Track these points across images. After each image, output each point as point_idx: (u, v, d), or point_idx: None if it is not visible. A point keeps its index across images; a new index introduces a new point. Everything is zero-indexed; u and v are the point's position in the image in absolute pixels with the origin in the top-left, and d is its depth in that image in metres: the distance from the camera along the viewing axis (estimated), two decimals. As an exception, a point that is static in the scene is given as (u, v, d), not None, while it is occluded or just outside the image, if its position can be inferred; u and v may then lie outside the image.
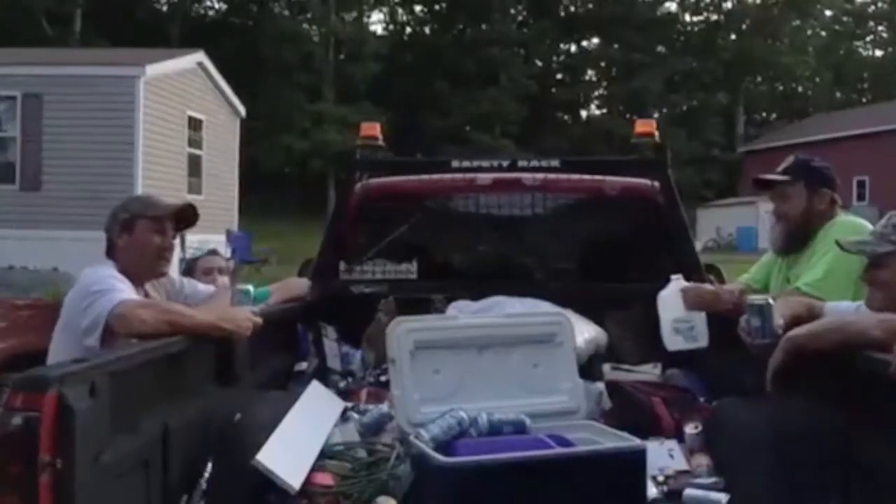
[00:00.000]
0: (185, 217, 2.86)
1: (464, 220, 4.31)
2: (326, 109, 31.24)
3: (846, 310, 2.53)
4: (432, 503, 2.00)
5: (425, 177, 4.24)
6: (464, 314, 3.14)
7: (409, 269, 4.15)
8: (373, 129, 4.22)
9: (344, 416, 2.91)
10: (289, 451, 2.37)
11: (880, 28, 46.89)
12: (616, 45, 40.19)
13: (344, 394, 3.31)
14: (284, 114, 29.76)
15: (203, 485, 2.14)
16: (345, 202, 4.15)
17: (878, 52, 47.60)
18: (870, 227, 2.72)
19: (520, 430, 2.18)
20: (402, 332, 2.33)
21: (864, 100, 43.82)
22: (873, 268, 2.36)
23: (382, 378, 3.24)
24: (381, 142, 4.23)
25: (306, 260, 4.48)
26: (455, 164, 4.21)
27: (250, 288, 2.79)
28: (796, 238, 3.09)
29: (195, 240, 12.26)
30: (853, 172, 28.18)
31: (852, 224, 3.01)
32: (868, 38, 47.70)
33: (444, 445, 2.06)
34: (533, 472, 1.98)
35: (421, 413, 2.23)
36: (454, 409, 2.17)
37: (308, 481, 2.37)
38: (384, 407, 2.80)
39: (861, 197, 28.64)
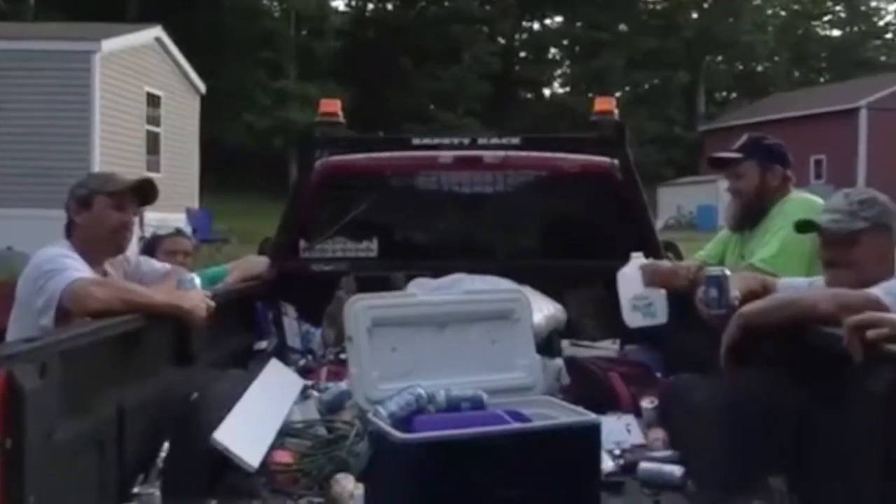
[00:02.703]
0: (145, 193, 2.82)
1: (424, 198, 4.31)
2: (288, 86, 30.87)
3: (799, 286, 2.57)
4: (390, 479, 2.01)
5: (385, 154, 4.22)
6: (423, 292, 3.14)
7: (370, 248, 4.14)
8: (332, 105, 4.19)
9: (304, 395, 2.92)
10: (247, 430, 2.37)
11: (838, 8, 47.46)
12: (579, 24, 40.23)
13: (304, 372, 3.32)
14: (245, 91, 29.33)
15: (160, 464, 2.13)
16: (304, 180, 4.12)
17: (836, 32, 48.22)
18: (823, 203, 2.75)
19: (477, 406, 2.19)
20: (359, 309, 2.33)
21: (821, 79, 44.37)
22: (841, 245, 2.38)
23: (342, 356, 3.24)
24: (341, 118, 4.21)
25: (266, 238, 4.45)
26: (416, 141, 4.21)
27: (195, 276, 2.76)
28: (750, 215, 3.14)
29: (154, 218, 12.09)
30: (811, 151, 28.59)
31: (806, 201, 3.06)
32: (826, 18, 48.27)
33: (402, 422, 2.07)
34: (489, 448, 2.00)
35: (379, 390, 2.23)
36: (412, 386, 2.17)
37: (267, 459, 2.38)
38: (344, 385, 2.81)
39: (818, 175, 29.09)
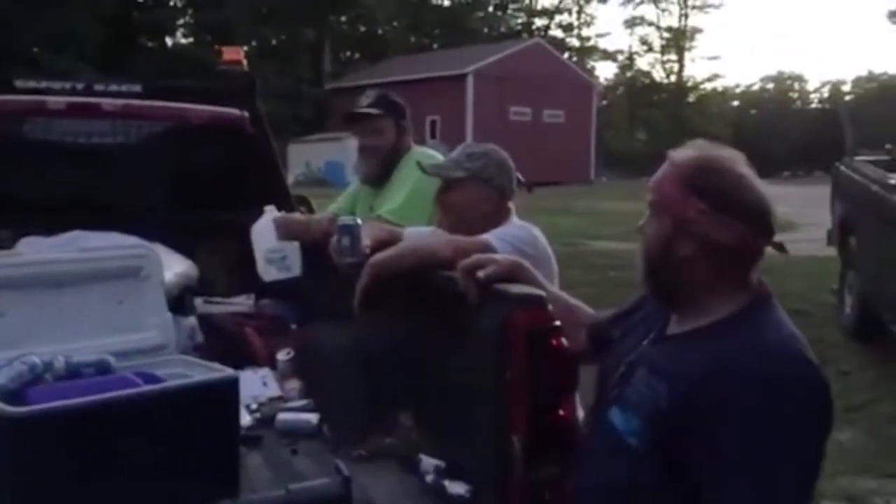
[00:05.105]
0: None
1: (33, 149, 3.86)
2: None
3: (422, 234, 2.75)
4: (1, 459, 1.79)
5: (-19, 98, 3.69)
6: (35, 251, 2.83)
7: (-34, 203, 3.63)
8: None
9: None
10: None
11: (449, -21, 51.11)
12: (201, -28, 38.72)
13: None
14: None
15: None
16: None
17: (447, 2, 52.04)
18: (441, 158, 2.96)
19: (103, 371, 2.04)
20: (-45, 272, 2.03)
21: (435, 45, 47.67)
22: (446, 191, 2.59)
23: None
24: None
25: None
26: (19, 84, 3.75)
27: None
28: (387, 169, 3.28)
29: None
30: (427, 112, 30.72)
31: (426, 154, 3.26)
32: (439, -12, 51.73)
33: (13, 395, 1.85)
34: (118, 414, 1.87)
35: (-17, 362, 1.97)
36: (25, 355, 1.95)
37: None
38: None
39: (433, 135, 31.38)
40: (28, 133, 3.83)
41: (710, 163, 1.59)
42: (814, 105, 58.14)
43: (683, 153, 1.62)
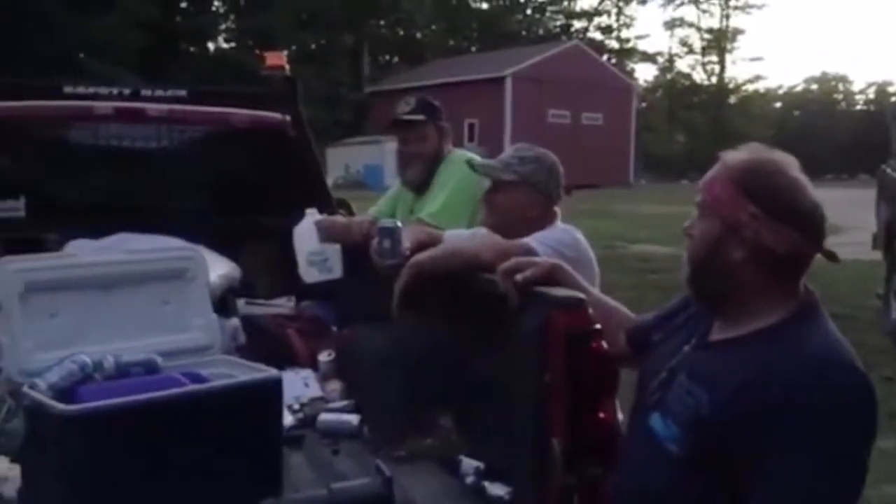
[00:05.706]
0: None
1: (81, 153, 3.95)
2: None
3: (462, 236, 2.77)
4: (54, 456, 1.84)
5: (31, 103, 3.79)
6: (84, 253, 2.90)
7: (16, 207, 3.72)
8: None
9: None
10: None
11: (487, -19, 51.10)
12: (243, -23, 39.16)
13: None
14: None
15: None
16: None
17: (485, 6, 52.05)
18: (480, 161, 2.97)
19: (151, 371, 2.08)
20: (10, 272, 2.08)
21: (473, 48, 47.73)
22: (493, 191, 2.59)
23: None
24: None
25: None
26: (68, 89, 3.83)
27: None
28: (431, 173, 3.30)
29: None
30: (465, 115, 30.76)
31: (465, 156, 3.27)
32: (477, -10, 51.78)
33: (65, 393, 1.90)
34: (166, 412, 1.91)
35: (35, 361, 2.02)
36: (76, 354, 2.01)
37: None
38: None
39: (471, 138, 31.41)
40: (75, 137, 3.92)
41: (763, 165, 1.55)
42: (859, 106, 57.18)
43: (736, 154, 1.58)
